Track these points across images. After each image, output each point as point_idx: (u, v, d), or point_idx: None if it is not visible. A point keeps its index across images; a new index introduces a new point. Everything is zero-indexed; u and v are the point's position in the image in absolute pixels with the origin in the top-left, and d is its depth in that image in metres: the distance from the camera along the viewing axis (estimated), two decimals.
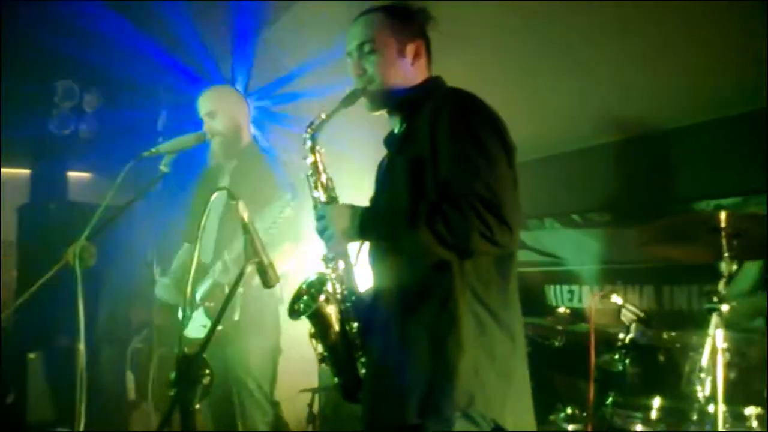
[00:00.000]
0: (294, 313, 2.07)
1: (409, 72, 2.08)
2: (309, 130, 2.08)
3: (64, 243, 2.39)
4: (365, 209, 1.99)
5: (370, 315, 2.03)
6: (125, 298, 4.93)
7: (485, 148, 1.85)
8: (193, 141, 3.08)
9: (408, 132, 2.05)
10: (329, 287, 2.04)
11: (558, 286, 4.09)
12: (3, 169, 5.83)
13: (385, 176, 2.12)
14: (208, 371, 1.51)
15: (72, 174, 5.46)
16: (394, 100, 2.08)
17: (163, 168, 2.67)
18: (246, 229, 1.74)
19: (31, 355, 4.54)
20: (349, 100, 2.06)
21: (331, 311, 2.03)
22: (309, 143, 2.09)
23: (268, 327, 3.22)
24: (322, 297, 2.01)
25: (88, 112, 5.07)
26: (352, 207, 1.98)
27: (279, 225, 2.84)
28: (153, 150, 2.70)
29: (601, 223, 3.94)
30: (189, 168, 3.40)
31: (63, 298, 2.62)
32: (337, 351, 2.05)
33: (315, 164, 2.11)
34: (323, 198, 2.10)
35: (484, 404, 1.84)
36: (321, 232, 2.01)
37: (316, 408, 4.44)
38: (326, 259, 2.06)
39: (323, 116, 2.07)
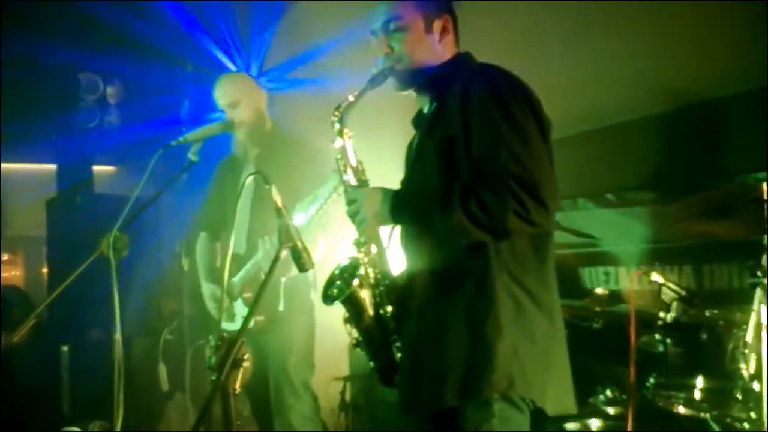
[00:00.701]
0: (327, 298, 2.05)
1: (437, 49, 2.03)
2: (336, 113, 2.04)
3: (92, 236, 2.39)
4: (397, 192, 1.97)
5: (404, 298, 2.00)
6: (154, 290, 4.96)
7: (518, 125, 1.81)
8: (220, 128, 3.05)
9: (438, 111, 2.00)
10: (362, 271, 2.01)
11: (593, 268, 4.02)
12: (30, 165, 5.91)
13: (415, 157, 2.07)
14: (247, 355, 1.50)
15: (97, 167, 5.49)
16: (423, 78, 2.03)
17: (192, 157, 2.65)
18: (280, 213, 1.72)
19: (64, 348, 4.59)
20: (377, 80, 2.02)
21: (365, 295, 2.01)
22: (337, 126, 2.05)
23: (308, 315, 3.20)
24: (355, 281, 1.99)
25: (111, 104, 5.09)
26: (384, 190, 1.96)
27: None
28: (180, 139, 2.68)
29: (636, 202, 3.84)
30: (215, 157, 3.37)
31: (93, 290, 2.62)
32: (372, 335, 2.03)
33: (344, 148, 2.07)
34: (354, 182, 2.06)
35: (524, 387, 1.81)
36: (353, 216, 1.99)
37: (348, 396, 4.44)
38: (358, 243, 2.03)
39: (351, 98, 2.03)
